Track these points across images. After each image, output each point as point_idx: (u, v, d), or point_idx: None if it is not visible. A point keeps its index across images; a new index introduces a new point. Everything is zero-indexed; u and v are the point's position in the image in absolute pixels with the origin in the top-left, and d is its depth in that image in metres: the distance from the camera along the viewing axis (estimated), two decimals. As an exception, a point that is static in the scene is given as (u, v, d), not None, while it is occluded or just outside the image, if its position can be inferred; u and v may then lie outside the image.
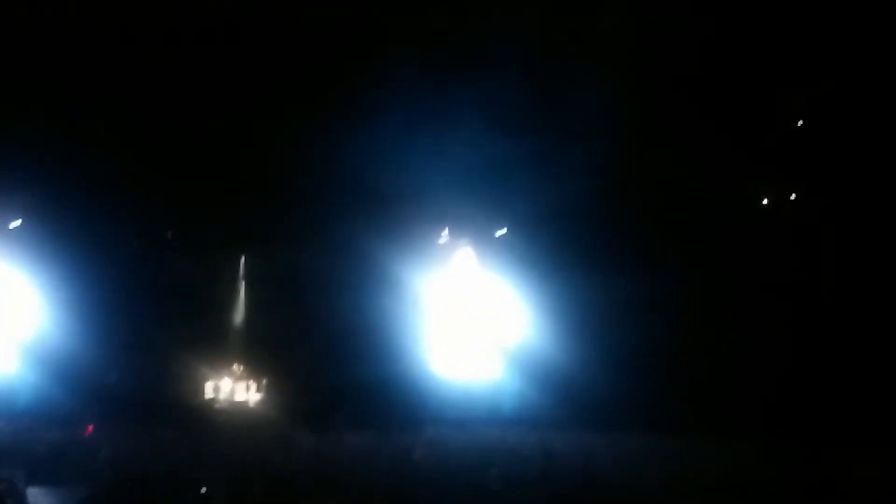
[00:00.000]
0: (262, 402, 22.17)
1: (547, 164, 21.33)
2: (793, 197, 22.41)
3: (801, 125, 22.29)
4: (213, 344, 22.15)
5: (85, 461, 19.65)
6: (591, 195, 21.45)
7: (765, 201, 22.56)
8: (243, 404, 22.12)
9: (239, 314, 22.50)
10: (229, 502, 18.69)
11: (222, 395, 22.13)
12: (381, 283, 21.45)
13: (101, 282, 21.12)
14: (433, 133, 21.18)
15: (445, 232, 22.49)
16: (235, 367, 22.25)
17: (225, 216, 22.17)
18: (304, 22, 21.22)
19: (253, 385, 22.22)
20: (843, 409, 20.38)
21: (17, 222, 21.59)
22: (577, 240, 21.59)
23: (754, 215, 22.41)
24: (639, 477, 19.08)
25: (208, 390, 22.12)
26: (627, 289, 20.99)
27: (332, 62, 21.53)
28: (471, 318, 22.27)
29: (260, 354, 22.24)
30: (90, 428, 20.59)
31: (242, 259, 22.68)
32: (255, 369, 22.24)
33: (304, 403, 21.53)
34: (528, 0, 21.14)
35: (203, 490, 18.63)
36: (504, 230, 22.38)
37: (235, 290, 22.57)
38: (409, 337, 21.87)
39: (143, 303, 21.47)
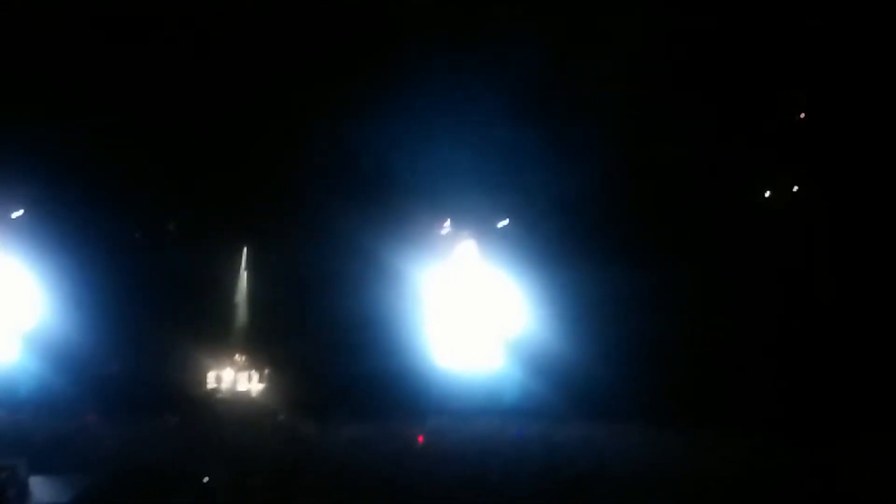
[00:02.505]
0: (263, 393, 22.20)
1: (549, 157, 21.32)
2: (795, 190, 22.42)
3: (807, 120, 22.28)
4: (216, 334, 22.18)
5: (87, 450, 19.70)
6: (592, 188, 21.47)
7: (767, 195, 22.54)
8: (245, 394, 22.17)
9: (241, 305, 22.53)
10: (231, 492, 18.72)
11: (224, 386, 22.17)
12: (383, 275, 21.44)
13: (102, 272, 21.12)
14: (435, 126, 21.20)
15: (447, 223, 22.49)
16: (237, 357, 22.28)
17: (227, 208, 22.17)
18: (309, 16, 21.26)
19: (255, 375, 22.27)
20: (848, 403, 20.40)
21: (19, 213, 21.60)
22: (578, 232, 21.59)
23: (757, 210, 22.40)
24: (639, 468, 19.10)
25: (210, 380, 22.16)
26: (628, 281, 20.98)
27: (335, 57, 21.54)
28: (472, 310, 22.27)
29: (262, 345, 22.27)
30: (92, 418, 20.64)
31: (245, 250, 22.70)
32: (257, 359, 22.28)
33: (305, 394, 21.55)
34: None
35: (205, 480, 18.66)
36: (506, 222, 22.37)
37: (237, 282, 22.59)
38: (410, 328, 21.88)
39: (145, 293, 21.49)
